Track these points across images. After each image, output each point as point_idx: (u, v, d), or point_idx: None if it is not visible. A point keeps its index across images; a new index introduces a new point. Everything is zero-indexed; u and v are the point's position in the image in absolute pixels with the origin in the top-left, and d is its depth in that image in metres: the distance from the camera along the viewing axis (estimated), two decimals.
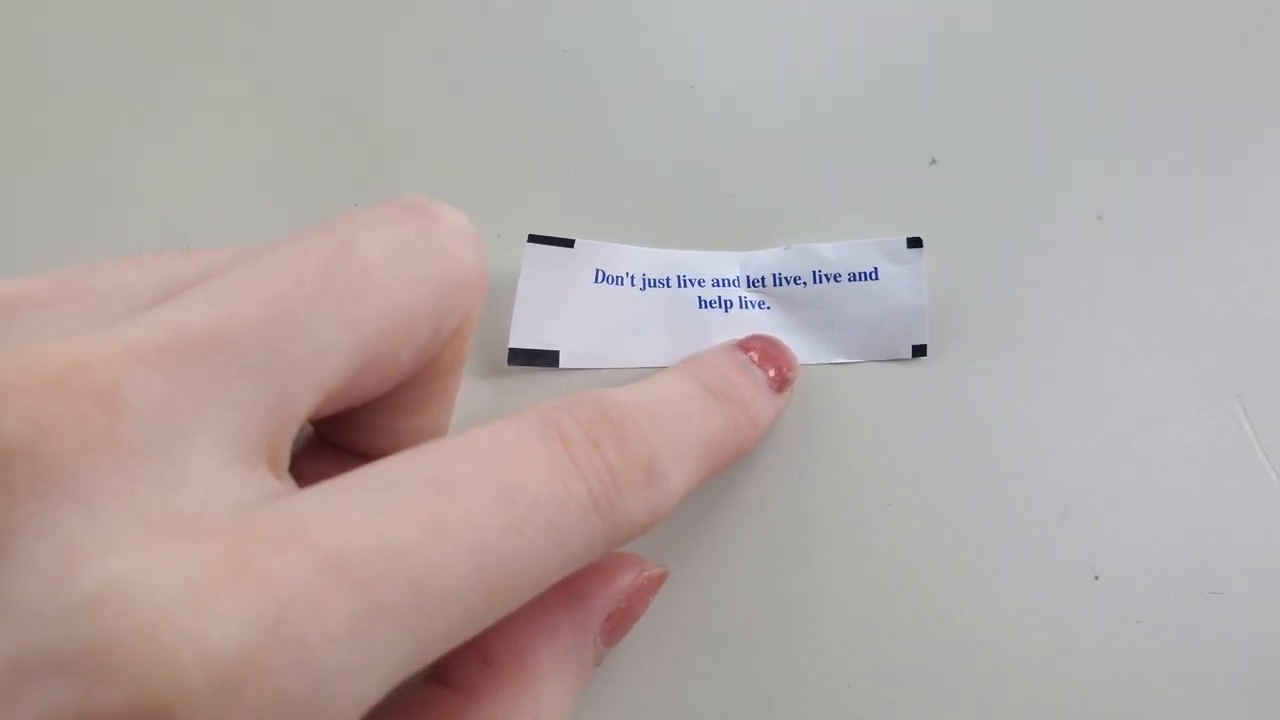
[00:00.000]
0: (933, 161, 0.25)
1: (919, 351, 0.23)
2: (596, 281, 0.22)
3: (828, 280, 0.23)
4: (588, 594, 0.17)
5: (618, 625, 0.18)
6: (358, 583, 0.11)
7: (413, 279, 0.14)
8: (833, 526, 0.22)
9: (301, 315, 0.13)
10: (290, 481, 0.14)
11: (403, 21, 0.25)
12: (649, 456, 0.15)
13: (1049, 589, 0.22)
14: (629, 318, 0.22)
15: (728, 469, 0.19)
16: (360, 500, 0.12)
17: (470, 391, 0.21)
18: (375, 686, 0.11)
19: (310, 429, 0.19)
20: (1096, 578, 0.22)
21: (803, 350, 0.23)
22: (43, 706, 0.10)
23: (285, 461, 0.14)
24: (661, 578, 0.19)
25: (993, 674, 0.22)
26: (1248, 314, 0.24)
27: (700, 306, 0.23)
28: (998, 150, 0.25)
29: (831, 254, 0.23)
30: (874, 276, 0.23)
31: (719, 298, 0.23)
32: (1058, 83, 0.26)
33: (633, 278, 0.22)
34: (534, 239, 0.21)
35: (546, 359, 0.21)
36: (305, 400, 0.13)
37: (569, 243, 0.21)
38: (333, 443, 0.18)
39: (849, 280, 0.23)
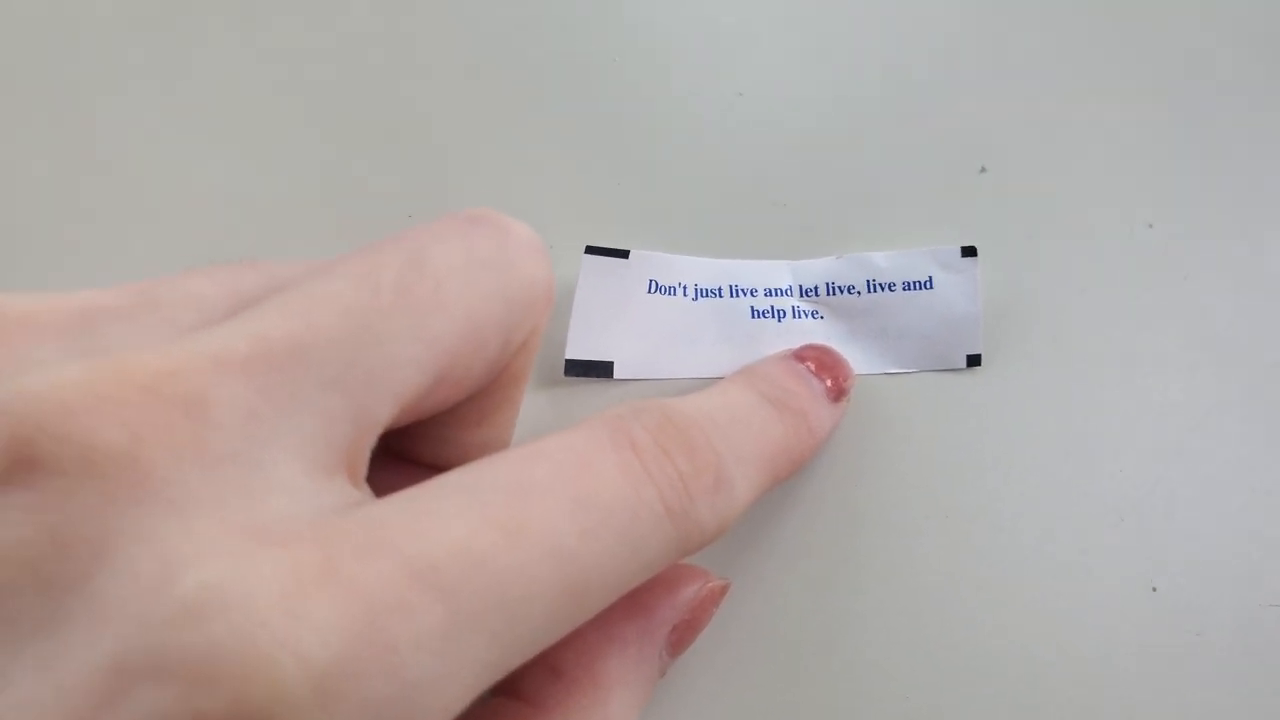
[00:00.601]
0: (983, 169, 0.25)
1: (973, 361, 0.23)
2: (650, 292, 0.22)
3: (882, 289, 0.23)
4: (653, 605, 0.17)
5: (682, 637, 0.18)
6: (444, 589, 0.11)
7: (484, 292, 0.15)
8: (889, 536, 0.22)
9: (378, 328, 0.13)
10: (368, 491, 0.14)
11: (455, 33, 0.25)
12: (716, 463, 0.15)
13: (1106, 600, 0.22)
14: (682, 328, 0.22)
15: (788, 479, 0.19)
16: (440, 508, 0.12)
17: (526, 402, 0.21)
18: (461, 696, 0.11)
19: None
20: (1154, 589, 0.22)
21: (857, 360, 0.23)
22: (145, 709, 0.10)
23: (363, 472, 0.14)
24: (724, 590, 0.19)
25: (1050, 685, 0.21)
26: None
27: (753, 316, 0.23)
28: (1048, 157, 0.25)
29: (885, 263, 0.23)
30: (928, 285, 0.23)
31: (772, 307, 0.23)
32: (1108, 89, 0.26)
33: (685, 288, 0.22)
34: (591, 250, 0.21)
35: (601, 370, 0.21)
36: (383, 412, 0.14)
37: (624, 253, 0.21)
38: (397, 454, 0.18)
39: (903, 289, 0.23)
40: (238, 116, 0.25)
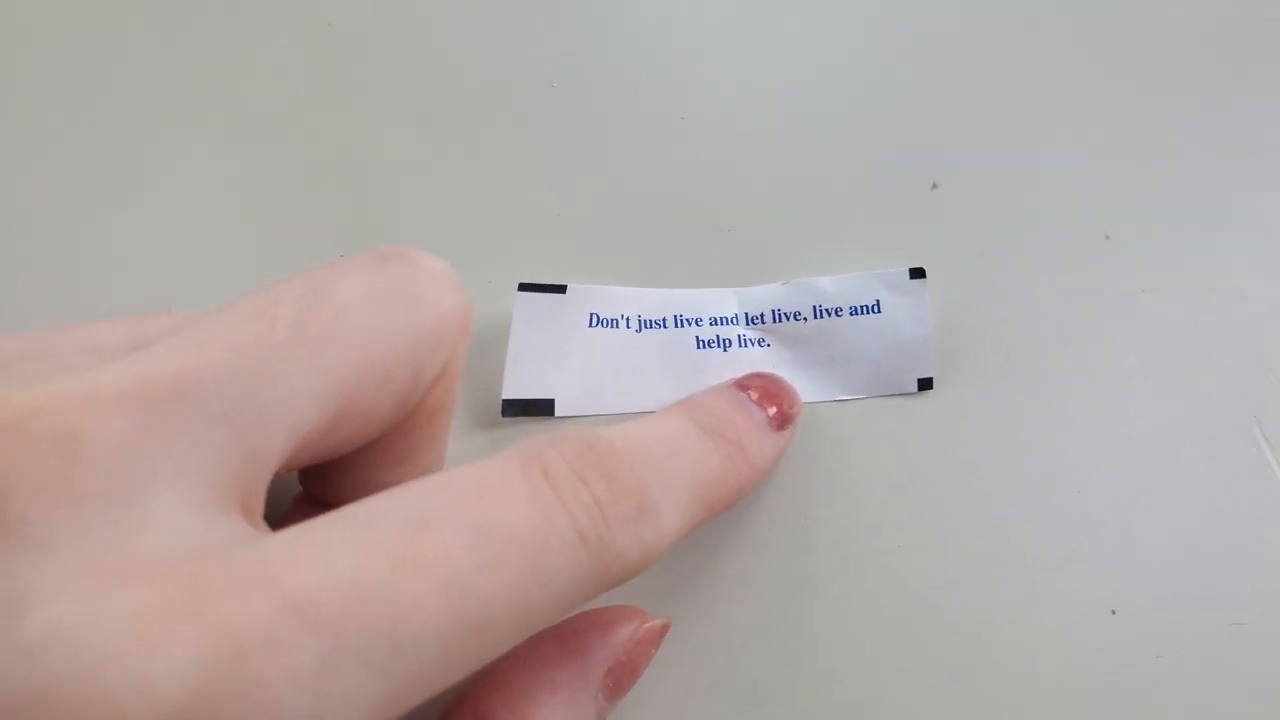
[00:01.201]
0: (934, 186, 0.24)
1: (925, 385, 0.22)
2: (591, 326, 0.22)
3: (828, 315, 0.22)
4: (586, 648, 0.17)
5: (619, 680, 0.17)
6: (322, 622, 0.11)
7: (389, 324, 0.14)
8: (840, 567, 0.22)
9: (272, 361, 0.13)
10: (265, 529, 0.14)
11: (382, 65, 0.25)
12: (639, 491, 0.15)
13: (1065, 626, 0.21)
14: (625, 361, 0.22)
15: (726, 511, 0.18)
16: (329, 540, 0.12)
17: (464, 445, 0.21)
18: None
19: (299, 488, 0.18)
20: (1114, 612, 0.22)
21: (805, 388, 0.22)
22: None
23: (259, 509, 0.14)
24: (664, 630, 0.18)
25: (1010, 714, 0.21)
26: (1264, 333, 0.23)
27: (698, 347, 0.22)
28: (1002, 171, 0.25)
29: (831, 287, 0.22)
30: (876, 310, 0.22)
31: (717, 337, 0.22)
32: (1061, 100, 0.25)
33: (628, 320, 0.22)
34: (524, 287, 0.21)
35: (542, 408, 0.21)
36: (278, 447, 0.13)
37: (561, 289, 0.21)
38: (322, 500, 0.18)
39: (850, 314, 0.22)
40: (164, 174, 0.24)
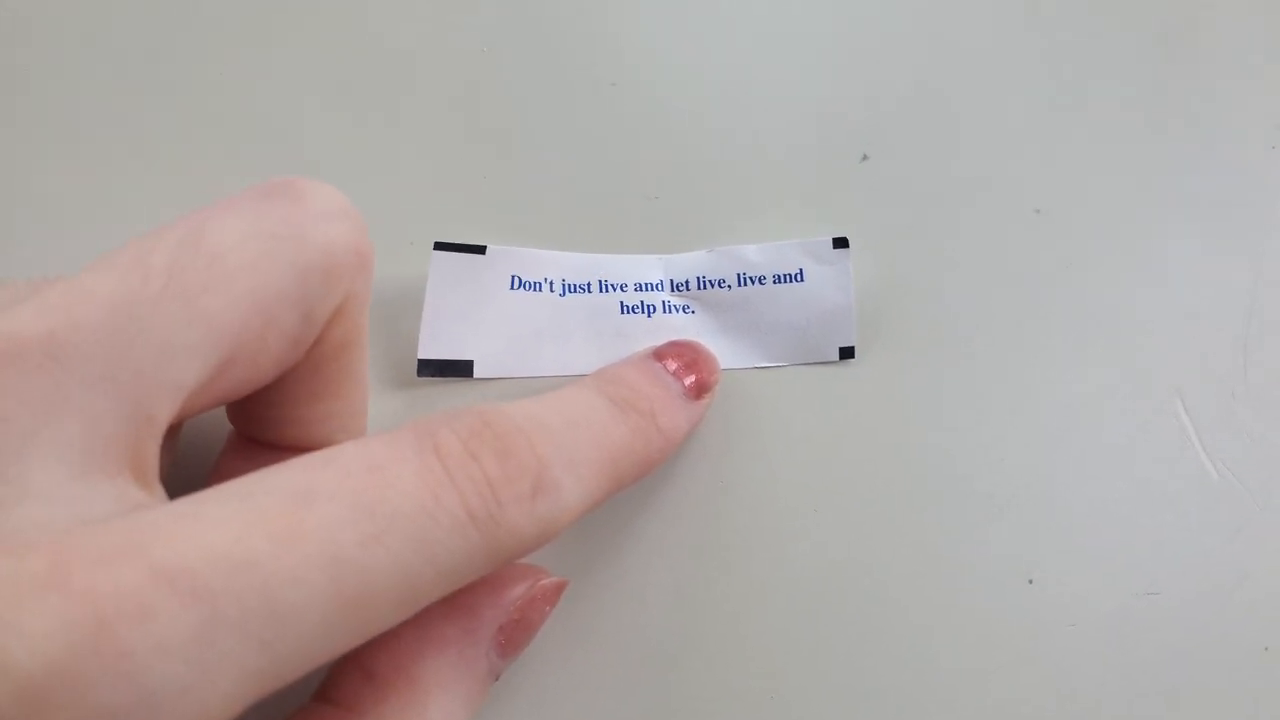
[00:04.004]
0: (864, 157, 0.24)
1: (846, 353, 0.22)
2: (513, 288, 0.22)
3: (752, 283, 0.22)
4: (476, 606, 0.17)
5: (511, 637, 0.17)
6: (196, 592, 0.11)
7: (270, 264, 0.14)
8: (758, 534, 0.22)
9: (147, 317, 0.13)
10: (159, 492, 0.14)
11: (310, 25, 0.24)
12: (536, 468, 0.15)
13: (982, 594, 0.22)
14: (548, 325, 0.22)
15: (637, 481, 0.18)
16: (208, 512, 0.12)
17: (382, 406, 0.21)
18: (222, 702, 0.11)
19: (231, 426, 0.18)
20: (1031, 581, 0.22)
21: (727, 354, 0.22)
22: None
23: (152, 469, 0.14)
24: (559, 588, 0.18)
25: (924, 681, 0.21)
26: (1188, 309, 0.23)
27: (622, 312, 0.22)
28: (933, 144, 0.25)
29: (756, 255, 0.23)
30: (799, 278, 0.22)
31: (641, 302, 0.22)
32: (996, 75, 0.25)
33: (551, 283, 0.22)
34: (440, 246, 0.21)
35: (460, 369, 0.21)
36: (163, 405, 0.13)
37: (480, 249, 0.21)
38: (250, 437, 0.18)
39: (774, 282, 0.22)
40: (72, 141, 0.23)
